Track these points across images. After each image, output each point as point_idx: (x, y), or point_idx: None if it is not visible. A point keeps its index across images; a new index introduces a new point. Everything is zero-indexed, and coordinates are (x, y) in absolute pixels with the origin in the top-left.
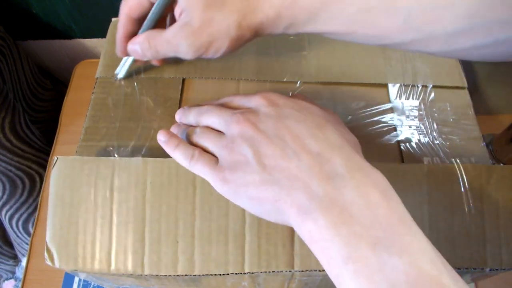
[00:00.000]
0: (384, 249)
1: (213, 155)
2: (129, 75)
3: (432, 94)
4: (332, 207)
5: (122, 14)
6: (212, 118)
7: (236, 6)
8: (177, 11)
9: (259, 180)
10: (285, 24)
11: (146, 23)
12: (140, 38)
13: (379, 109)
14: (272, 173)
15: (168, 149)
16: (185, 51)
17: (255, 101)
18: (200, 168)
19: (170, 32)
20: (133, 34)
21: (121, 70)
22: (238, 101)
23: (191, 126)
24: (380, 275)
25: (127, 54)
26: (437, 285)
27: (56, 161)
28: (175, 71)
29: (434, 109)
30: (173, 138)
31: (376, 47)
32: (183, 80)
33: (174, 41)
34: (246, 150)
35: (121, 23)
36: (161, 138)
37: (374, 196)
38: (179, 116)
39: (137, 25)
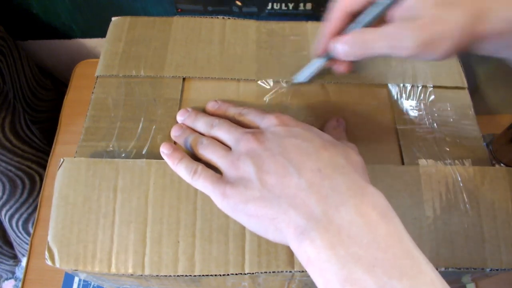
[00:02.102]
0: (383, 272)
1: (216, 168)
2: (308, 80)
3: (432, 94)
4: (329, 226)
5: (337, 7)
6: (223, 132)
7: (467, 9)
8: (398, 10)
9: (258, 196)
10: (509, 42)
11: (361, 21)
12: (351, 35)
13: (379, 109)
14: (272, 191)
15: (170, 163)
16: (408, 45)
17: (268, 121)
18: (202, 183)
19: (393, 26)
20: (337, 33)
21: (304, 74)
22: (252, 117)
23: (195, 131)
24: None
25: (324, 54)
26: None
27: (62, 162)
28: (175, 71)
29: (434, 109)
30: (176, 152)
31: None
32: (183, 80)
33: (398, 34)
34: (249, 167)
35: (333, 17)
36: (164, 150)
37: (373, 216)
38: (182, 118)
39: (347, 22)
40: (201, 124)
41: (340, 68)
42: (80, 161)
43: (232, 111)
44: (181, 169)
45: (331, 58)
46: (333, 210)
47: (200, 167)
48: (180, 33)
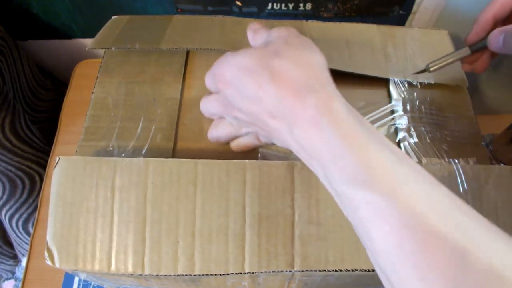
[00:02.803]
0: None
1: None
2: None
3: (432, 94)
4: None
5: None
6: None
7: None
8: None
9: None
10: None
11: None
12: None
13: (379, 109)
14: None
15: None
16: None
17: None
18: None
19: None
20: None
21: (441, 63)
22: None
23: None
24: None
25: (474, 44)
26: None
27: (58, 161)
28: (174, 43)
29: (434, 108)
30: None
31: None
32: (183, 80)
33: None
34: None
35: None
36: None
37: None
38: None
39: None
40: None
41: (479, 65)
42: (77, 160)
43: None
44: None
45: (476, 51)
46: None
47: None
48: (178, 26)
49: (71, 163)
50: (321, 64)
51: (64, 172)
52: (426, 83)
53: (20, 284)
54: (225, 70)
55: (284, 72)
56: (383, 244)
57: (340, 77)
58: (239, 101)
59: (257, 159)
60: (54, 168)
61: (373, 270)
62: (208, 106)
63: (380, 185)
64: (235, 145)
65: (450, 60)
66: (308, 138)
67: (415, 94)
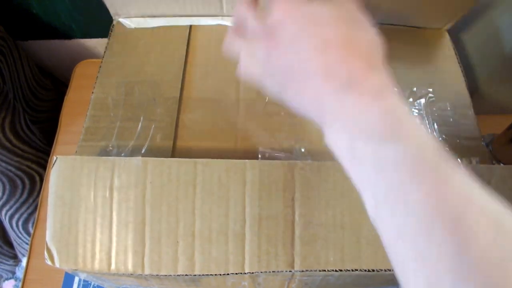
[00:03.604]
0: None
1: None
2: None
3: (432, 94)
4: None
5: None
6: None
7: None
8: None
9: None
10: None
11: None
12: None
13: None
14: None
15: None
16: None
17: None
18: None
19: None
20: None
21: None
22: None
23: None
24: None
25: None
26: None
27: (56, 160)
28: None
29: (434, 109)
30: None
31: None
32: (183, 79)
33: None
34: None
35: None
36: None
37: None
38: None
39: None
40: None
41: None
42: (74, 159)
43: None
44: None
45: None
46: (346, 98)
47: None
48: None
49: (69, 163)
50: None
51: (62, 172)
52: (426, 83)
53: (20, 284)
54: (296, 5)
55: (361, 43)
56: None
57: None
58: (296, 42)
59: (257, 159)
60: (51, 168)
61: (373, 270)
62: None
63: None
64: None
65: None
66: (358, 105)
67: (415, 94)
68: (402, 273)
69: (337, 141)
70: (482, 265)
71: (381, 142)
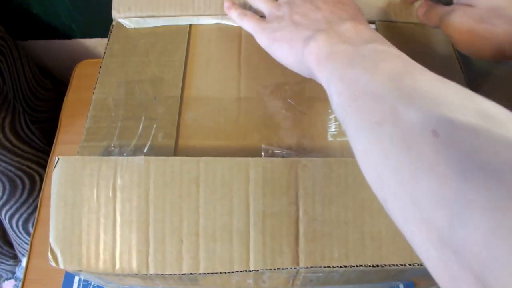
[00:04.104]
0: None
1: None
2: None
3: None
4: (330, 33)
5: None
6: None
7: None
8: None
9: (284, 25)
10: None
11: None
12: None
13: None
14: (296, 23)
15: (227, 11)
16: None
17: None
18: (247, 23)
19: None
20: None
21: None
22: None
23: None
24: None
25: None
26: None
27: (58, 161)
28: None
29: None
30: (234, 4)
31: None
32: (184, 78)
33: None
34: (285, 10)
35: None
36: (225, 4)
37: (364, 29)
38: None
39: None
40: None
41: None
42: (76, 160)
43: None
44: (235, 15)
45: None
46: (335, 26)
47: (249, 12)
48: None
49: (71, 164)
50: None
51: (64, 172)
52: None
53: (20, 284)
54: None
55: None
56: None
57: None
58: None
59: (261, 156)
60: (53, 169)
61: (378, 266)
62: None
63: None
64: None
65: None
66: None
67: None
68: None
69: (317, 51)
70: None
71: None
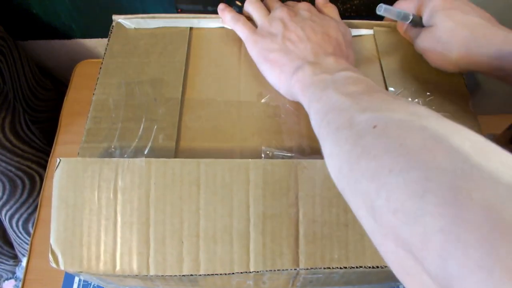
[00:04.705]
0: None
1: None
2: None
3: (432, 94)
4: (316, 65)
5: None
6: (268, 1)
7: None
8: None
9: (278, 48)
10: None
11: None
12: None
13: None
14: (289, 48)
15: (221, 13)
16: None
17: (301, 4)
18: (241, 28)
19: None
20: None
21: (390, 11)
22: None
23: None
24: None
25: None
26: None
27: (59, 163)
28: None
29: (433, 107)
30: (228, 7)
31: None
32: (184, 79)
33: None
34: (279, 27)
35: None
36: (220, 6)
37: (344, 63)
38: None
39: None
40: None
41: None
42: (77, 161)
43: None
44: (228, 17)
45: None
46: (320, 58)
47: (243, 17)
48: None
49: (72, 165)
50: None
51: (65, 174)
52: (425, 83)
53: (20, 284)
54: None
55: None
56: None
57: None
58: (312, 25)
59: (261, 158)
60: (55, 170)
61: (377, 267)
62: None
63: None
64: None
65: (395, 16)
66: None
67: (412, 89)
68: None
69: (300, 78)
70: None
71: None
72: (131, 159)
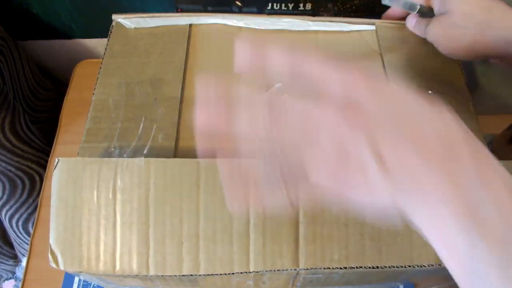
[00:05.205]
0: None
1: None
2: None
3: (433, 92)
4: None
5: None
6: None
7: None
8: None
9: None
10: None
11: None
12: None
13: None
14: None
15: None
16: None
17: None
18: None
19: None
20: None
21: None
22: None
23: None
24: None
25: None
26: None
27: (58, 162)
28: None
29: None
30: None
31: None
32: (184, 78)
33: None
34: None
35: None
36: None
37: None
38: None
39: None
40: None
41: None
42: (76, 161)
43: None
44: None
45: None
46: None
47: None
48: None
49: (71, 165)
50: None
51: (64, 174)
52: (425, 82)
53: (20, 284)
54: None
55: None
56: None
57: None
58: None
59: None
60: (53, 170)
61: (377, 267)
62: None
63: None
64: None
65: (401, 5)
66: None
67: (413, 87)
68: None
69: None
70: None
71: None
72: (130, 158)
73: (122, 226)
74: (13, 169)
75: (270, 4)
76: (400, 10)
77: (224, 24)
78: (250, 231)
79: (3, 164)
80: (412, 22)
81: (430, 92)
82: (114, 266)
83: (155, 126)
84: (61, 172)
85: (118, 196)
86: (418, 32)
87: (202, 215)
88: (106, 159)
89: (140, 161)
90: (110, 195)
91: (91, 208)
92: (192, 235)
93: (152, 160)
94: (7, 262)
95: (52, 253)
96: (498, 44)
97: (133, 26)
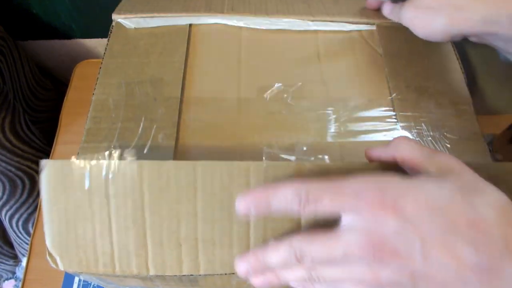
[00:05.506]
0: None
1: None
2: None
3: (432, 93)
4: None
5: None
6: None
7: None
8: None
9: None
10: None
11: None
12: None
13: (378, 108)
14: None
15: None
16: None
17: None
18: None
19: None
20: None
21: None
22: None
23: None
24: None
25: None
26: None
27: (44, 166)
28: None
29: (433, 108)
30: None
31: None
32: (184, 78)
33: None
34: None
35: None
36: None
37: None
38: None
39: None
40: None
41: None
42: (63, 164)
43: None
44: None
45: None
46: None
47: None
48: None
49: (58, 168)
50: None
51: (52, 178)
52: (425, 82)
53: (20, 284)
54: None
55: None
56: None
57: (337, 75)
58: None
59: (262, 159)
60: (40, 173)
61: None
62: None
63: None
64: None
65: None
66: None
67: (413, 87)
68: None
69: None
70: None
71: None
72: (121, 161)
73: (118, 231)
74: (13, 169)
75: None
76: None
77: (224, 24)
78: (251, 235)
79: (3, 164)
80: (387, 9)
81: (429, 92)
82: (114, 267)
83: (155, 126)
84: (49, 176)
85: (111, 200)
86: (394, 18)
87: (201, 218)
88: (94, 161)
89: (132, 163)
90: (103, 200)
91: (85, 212)
92: (191, 238)
93: (145, 162)
94: (7, 262)
95: (50, 255)
96: (474, 23)
97: (133, 26)
